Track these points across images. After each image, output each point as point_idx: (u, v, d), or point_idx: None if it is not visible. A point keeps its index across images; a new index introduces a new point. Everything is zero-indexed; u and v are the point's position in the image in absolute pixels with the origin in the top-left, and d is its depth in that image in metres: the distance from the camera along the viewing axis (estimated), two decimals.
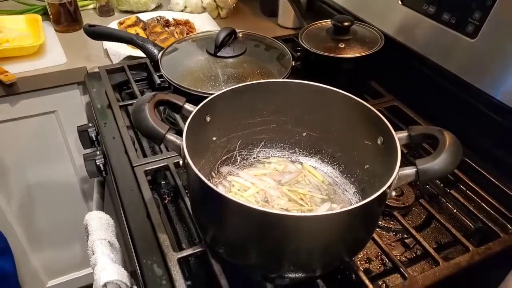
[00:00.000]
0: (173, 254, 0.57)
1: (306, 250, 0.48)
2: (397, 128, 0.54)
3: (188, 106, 0.56)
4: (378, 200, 0.45)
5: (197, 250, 0.57)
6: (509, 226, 0.64)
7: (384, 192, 0.45)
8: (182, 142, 0.50)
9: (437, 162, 0.47)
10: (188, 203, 0.65)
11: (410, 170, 0.48)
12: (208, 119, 0.60)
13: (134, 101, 0.61)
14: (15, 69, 1.02)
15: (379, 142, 0.56)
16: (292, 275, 0.52)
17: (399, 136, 0.51)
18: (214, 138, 0.64)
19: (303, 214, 0.42)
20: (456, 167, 0.67)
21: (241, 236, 0.50)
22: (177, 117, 0.85)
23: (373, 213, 0.51)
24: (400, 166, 0.48)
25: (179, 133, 0.52)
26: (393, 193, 0.48)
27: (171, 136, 0.51)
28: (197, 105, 0.56)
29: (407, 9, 0.86)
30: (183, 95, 0.76)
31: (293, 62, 0.86)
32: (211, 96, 0.57)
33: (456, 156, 0.47)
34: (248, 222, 0.47)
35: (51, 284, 1.48)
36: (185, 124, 0.53)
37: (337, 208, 0.62)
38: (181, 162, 0.51)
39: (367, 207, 0.44)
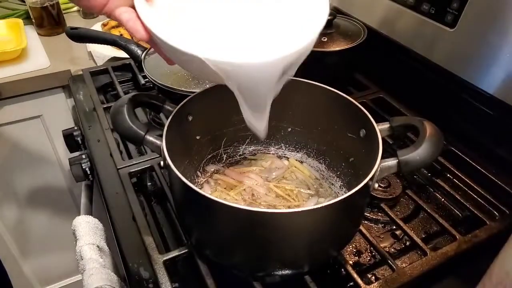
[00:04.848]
0: (158, 257, 0.56)
1: (292, 246, 0.48)
2: (383, 120, 0.54)
3: (168, 106, 0.56)
4: (361, 193, 0.45)
5: (183, 251, 0.57)
6: (495, 213, 0.64)
7: (366, 185, 0.44)
8: (162, 143, 0.49)
9: (418, 153, 0.46)
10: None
11: (391, 162, 0.47)
12: (190, 118, 0.59)
13: None
14: None
15: (361, 134, 0.56)
16: (279, 273, 0.51)
17: (380, 128, 0.51)
18: (198, 137, 0.64)
19: (281, 211, 0.42)
20: (440, 156, 0.68)
21: (227, 236, 0.50)
22: (163, 117, 0.84)
23: (358, 205, 0.50)
24: (385, 157, 0.48)
25: None
26: (376, 185, 0.47)
27: (151, 137, 0.51)
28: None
29: (388, 1, 0.86)
30: (167, 94, 0.75)
31: None
32: (190, 96, 0.57)
33: (437, 146, 0.47)
34: (233, 222, 0.47)
35: None
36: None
37: (324, 203, 0.62)
38: (161, 163, 0.51)
39: (350, 199, 0.44)
